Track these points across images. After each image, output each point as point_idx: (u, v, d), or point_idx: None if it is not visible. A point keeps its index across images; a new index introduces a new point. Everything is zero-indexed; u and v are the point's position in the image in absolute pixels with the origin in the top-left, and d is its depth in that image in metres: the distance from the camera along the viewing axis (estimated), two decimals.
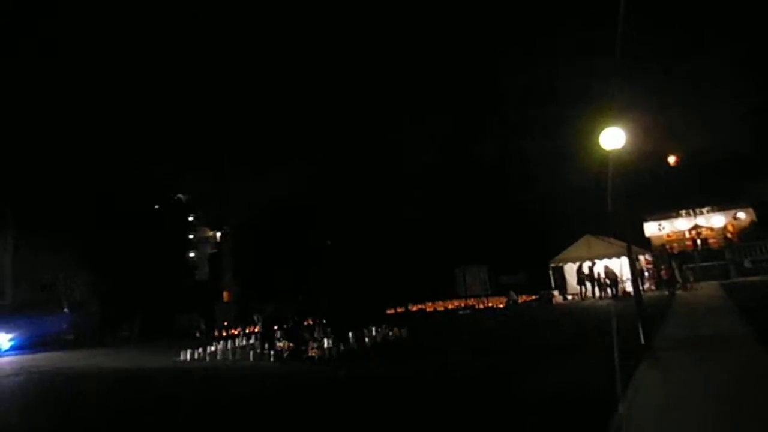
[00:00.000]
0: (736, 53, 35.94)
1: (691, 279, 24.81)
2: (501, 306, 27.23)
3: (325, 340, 14.49)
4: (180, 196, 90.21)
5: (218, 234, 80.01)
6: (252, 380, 11.42)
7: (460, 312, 26.56)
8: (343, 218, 35.58)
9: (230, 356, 15.50)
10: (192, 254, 76.45)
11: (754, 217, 35.09)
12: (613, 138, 10.80)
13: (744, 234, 33.84)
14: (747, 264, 29.04)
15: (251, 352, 15.63)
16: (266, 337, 14.94)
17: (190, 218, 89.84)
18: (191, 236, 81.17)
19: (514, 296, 28.09)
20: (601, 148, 11.23)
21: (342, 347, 14.15)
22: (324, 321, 15.55)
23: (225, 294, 34.40)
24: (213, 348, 16.85)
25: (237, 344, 18.05)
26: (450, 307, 29.70)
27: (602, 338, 10.68)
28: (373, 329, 16.75)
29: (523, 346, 12.54)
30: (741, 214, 35.63)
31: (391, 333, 16.49)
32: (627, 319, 11.34)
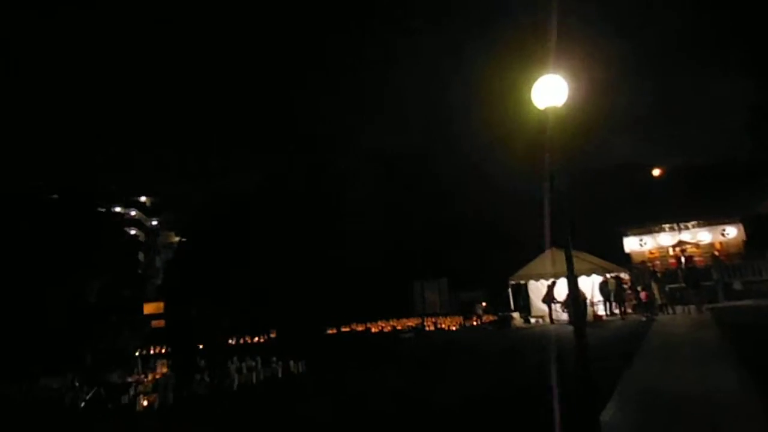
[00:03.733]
0: (734, 55, 32.73)
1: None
2: (453, 328, 23.32)
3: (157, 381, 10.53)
4: (143, 198, 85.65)
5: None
6: None
7: (403, 335, 22.54)
8: (289, 226, 31.52)
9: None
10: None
11: (743, 232, 31.56)
12: (550, 91, 7.01)
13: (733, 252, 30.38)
14: (737, 286, 25.43)
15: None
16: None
17: (154, 222, 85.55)
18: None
19: (479, 311, 24.95)
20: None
21: (184, 391, 10.19)
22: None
23: (148, 306, 30.07)
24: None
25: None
26: (399, 327, 25.74)
27: (537, 400, 6.94)
28: (259, 362, 12.84)
29: (426, 410, 8.67)
30: (729, 230, 32.08)
31: (276, 367, 12.52)
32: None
